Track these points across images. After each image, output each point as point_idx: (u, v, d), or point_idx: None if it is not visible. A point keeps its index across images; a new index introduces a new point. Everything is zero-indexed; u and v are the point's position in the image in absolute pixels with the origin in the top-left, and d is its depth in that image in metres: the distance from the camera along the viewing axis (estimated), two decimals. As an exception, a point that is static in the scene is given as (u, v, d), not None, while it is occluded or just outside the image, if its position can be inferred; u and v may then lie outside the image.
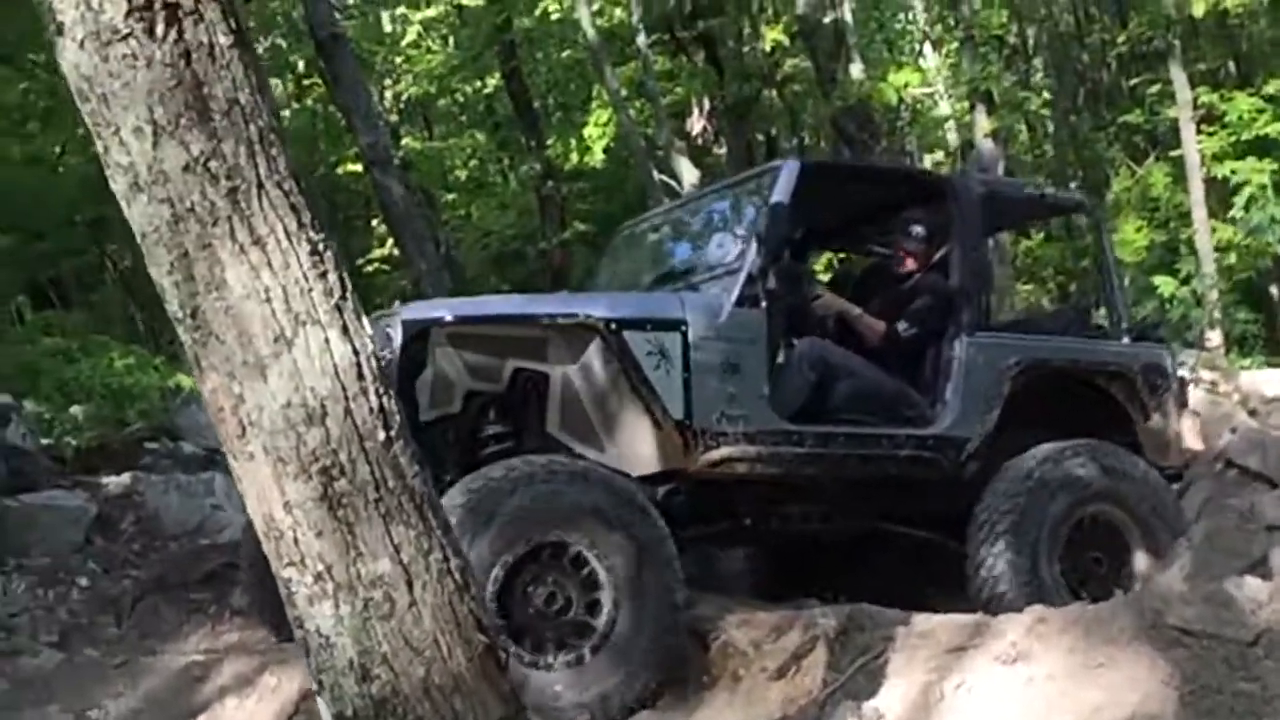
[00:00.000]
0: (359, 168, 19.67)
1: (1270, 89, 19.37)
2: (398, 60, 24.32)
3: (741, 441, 7.08)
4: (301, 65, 22.94)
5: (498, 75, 23.81)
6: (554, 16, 21.24)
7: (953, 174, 9.21)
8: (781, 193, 7.40)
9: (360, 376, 3.29)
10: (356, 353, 3.29)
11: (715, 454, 7.01)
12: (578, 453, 6.73)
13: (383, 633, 3.32)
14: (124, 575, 8.47)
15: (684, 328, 7.02)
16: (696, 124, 21.73)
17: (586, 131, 20.33)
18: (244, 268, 3.19)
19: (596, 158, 20.36)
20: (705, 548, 8.01)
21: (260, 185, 3.19)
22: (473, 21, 22.20)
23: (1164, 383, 8.36)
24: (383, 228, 21.50)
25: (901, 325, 7.87)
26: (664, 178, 18.25)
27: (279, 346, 3.21)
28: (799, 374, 7.52)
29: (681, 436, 6.93)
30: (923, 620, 6.36)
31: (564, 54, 22.63)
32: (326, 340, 3.25)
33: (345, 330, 3.28)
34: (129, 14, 3.08)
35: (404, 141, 23.48)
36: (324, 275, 3.27)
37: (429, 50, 24.66)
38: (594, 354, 6.84)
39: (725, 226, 8.33)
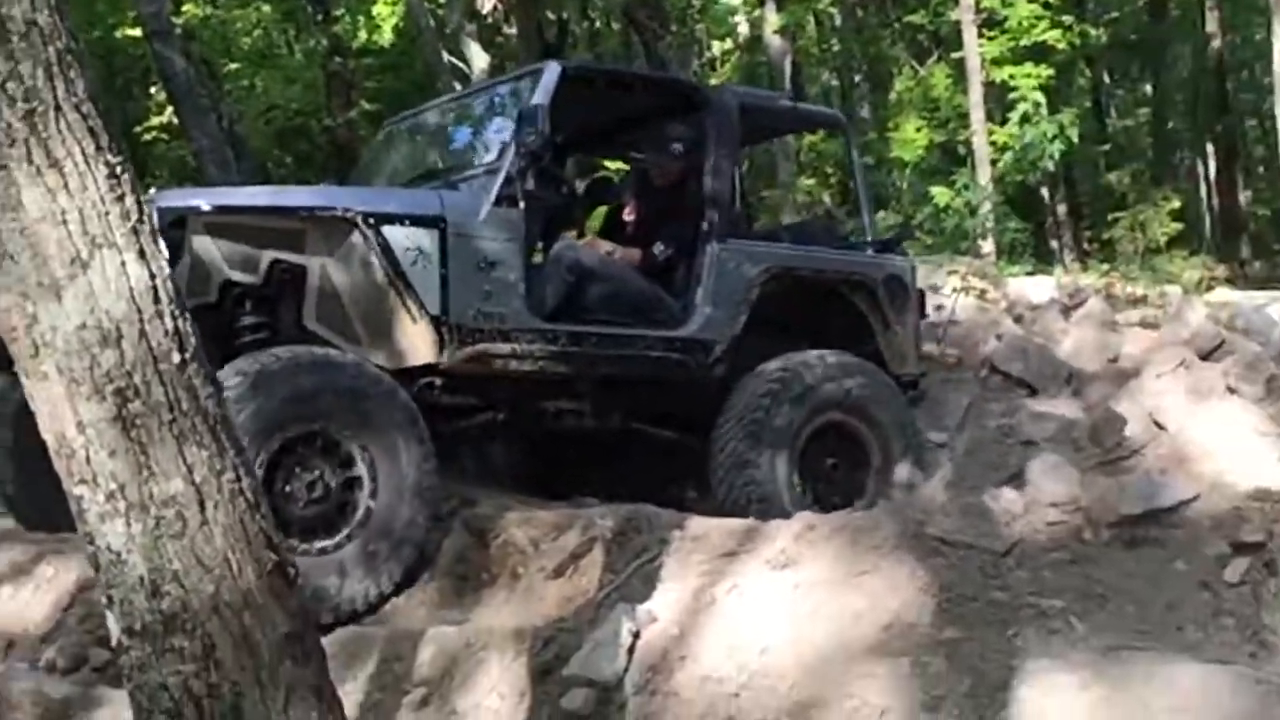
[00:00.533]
0: (138, 33, 19.11)
1: (1050, -5, 19.89)
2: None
3: (496, 338, 7.20)
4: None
5: (286, -58, 23.35)
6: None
7: (710, 85, 9.39)
8: (542, 95, 7.47)
9: (156, 300, 3.32)
10: (153, 276, 3.32)
11: (470, 350, 7.11)
12: (334, 345, 6.78)
13: (174, 550, 3.37)
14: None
15: (442, 224, 7.09)
16: (487, 3, 21.56)
17: (376, 9, 20.01)
18: (40, 190, 3.18)
19: (386, 36, 20.09)
20: (476, 444, 8.16)
21: (58, 108, 3.19)
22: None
23: (904, 293, 8.66)
24: (161, 95, 21.00)
25: (658, 248, 8.04)
26: (453, 60, 18.10)
27: (75, 269, 3.22)
28: (555, 276, 7.64)
29: (437, 332, 7.02)
30: (697, 524, 6.51)
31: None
32: (123, 263, 3.27)
33: (142, 254, 3.30)
34: (-79, -71, 3.04)
35: (185, 9, 22.83)
36: (121, 199, 3.28)
37: (215, -87, 24.03)
38: (352, 248, 6.88)
39: (487, 126, 8.40)
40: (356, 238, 6.87)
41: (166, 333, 3.33)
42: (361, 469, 6.50)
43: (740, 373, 7.96)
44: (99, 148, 3.25)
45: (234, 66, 23.67)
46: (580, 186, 9.25)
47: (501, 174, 7.33)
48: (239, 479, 3.46)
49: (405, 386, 6.78)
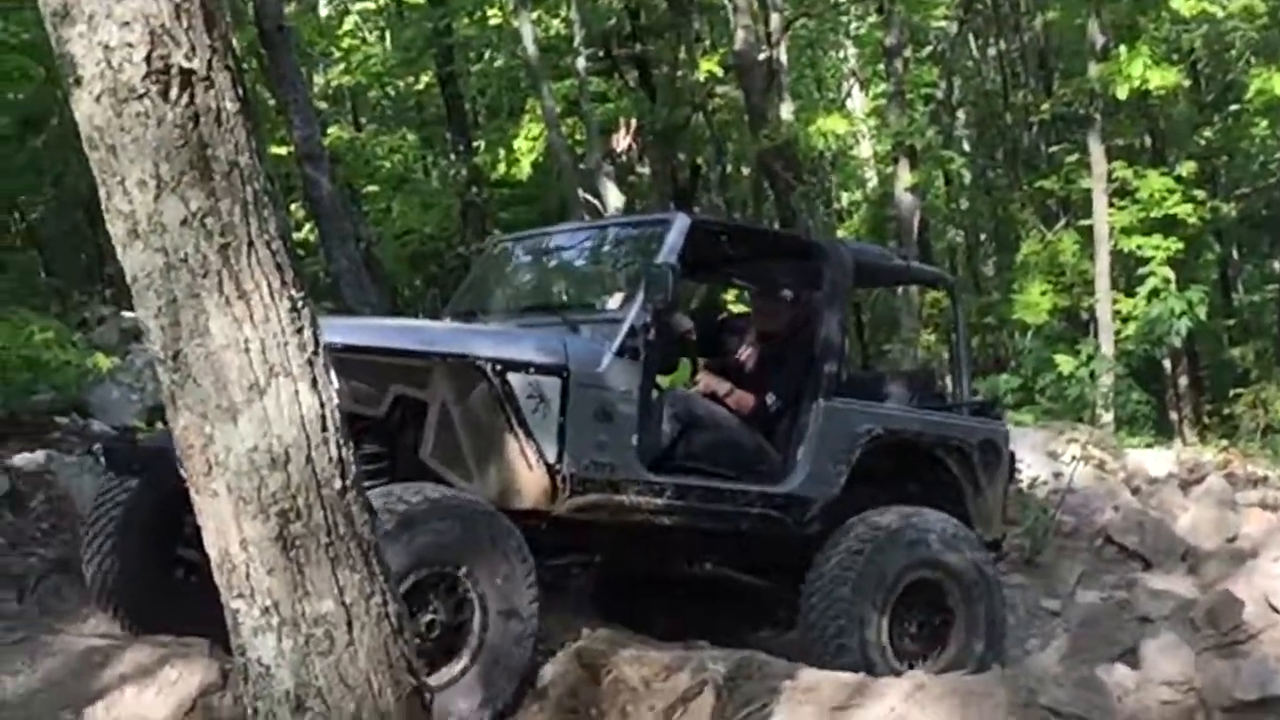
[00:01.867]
0: (282, 152, 19.67)
1: (1183, 170, 19.93)
2: (334, 51, 24.32)
3: (607, 490, 7.29)
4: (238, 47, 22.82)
5: (431, 74, 23.95)
6: (494, 22, 21.39)
7: (828, 241, 9.61)
8: (670, 251, 7.59)
9: (324, 428, 3.51)
10: (323, 405, 3.51)
11: (581, 500, 7.21)
12: (448, 481, 6.89)
13: (320, 668, 3.53)
14: (30, 553, 8.48)
15: (565, 374, 7.19)
16: (622, 143, 21.95)
17: (517, 144, 20.45)
18: (228, 319, 3.40)
19: (524, 170, 20.50)
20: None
21: (251, 243, 3.41)
22: (413, 20, 22.28)
23: (996, 458, 8.71)
24: (301, 212, 21.55)
25: (770, 399, 8.14)
26: (588, 196, 18.45)
27: (252, 394, 3.42)
28: (664, 422, 7.75)
29: (550, 479, 7.10)
30: (809, 675, 6.56)
31: (499, 63, 22.70)
32: (296, 392, 3.47)
33: (314, 383, 3.50)
34: (146, 76, 3.29)
35: (330, 130, 23.48)
36: (300, 331, 3.49)
37: (364, 41, 24.75)
38: (475, 390, 7.00)
39: (612, 269, 8.61)
40: (480, 381, 7.00)
41: (331, 460, 3.51)
42: (474, 604, 6.62)
43: (833, 522, 8.03)
44: (284, 283, 3.47)
45: (373, 189, 24.23)
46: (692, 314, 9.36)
47: (626, 326, 7.42)
48: (386, 604, 3.62)
49: (513, 524, 6.87)
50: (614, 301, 7.84)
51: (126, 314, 13.63)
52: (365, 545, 3.59)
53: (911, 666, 7.68)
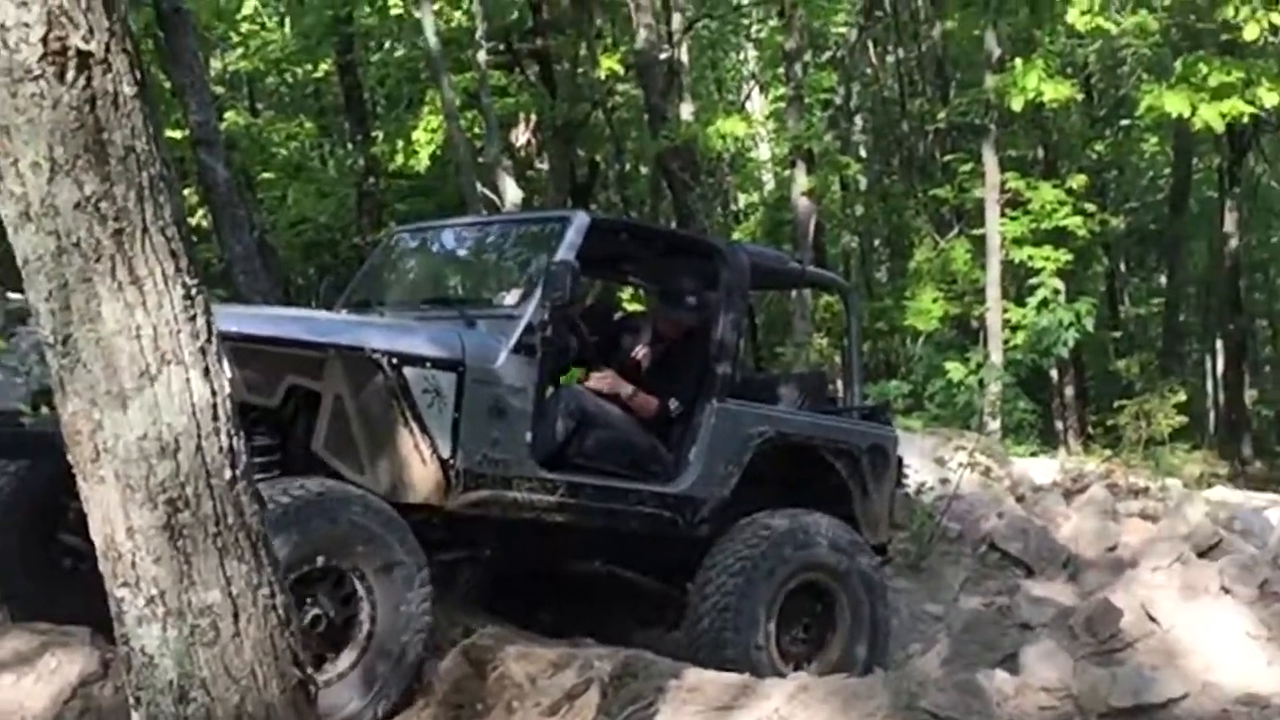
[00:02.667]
0: (177, 135, 19.45)
1: (1074, 183, 20.23)
2: (232, 35, 24.08)
3: (499, 485, 7.29)
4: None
5: (330, 62, 23.79)
6: (395, 12, 21.27)
7: (727, 243, 9.66)
8: (569, 249, 7.59)
9: (215, 417, 3.49)
10: (215, 394, 3.49)
11: (473, 495, 7.20)
12: (339, 474, 6.85)
13: (205, 659, 3.50)
14: (-92, 536, 8.34)
15: (461, 369, 7.17)
16: (521, 137, 21.94)
17: (415, 135, 20.36)
18: (119, 304, 3.36)
19: (422, 162, 20.41)
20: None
21: (145, 229, 3.38)
22: (313, 7, 22.10)
23: (885, 462, 8.80)
24: (195, 197, 21.30)
25: (673, 404, 8.17)
26: (486, 190, 18.41)
27: (143, 381, 3.39)
28: (558, 419, 7.75)
29: (444, 474, 7.10)
30: (694, 675, 6.60)
31: (399, 53, 22.58)
32: (188, 379, 3.44)
33: (206, 372, 3.48)
34: (43, 57, 3.24)
35: (227, 115, 23.25)
36: (193, 318, 3.46)
37: (264, 27, 24.52)
38: (370, 384, 6.95)
39: (510, 265, 8.59)
40: (375, 374, 6.96)
41: (221, 449, 3.49)
42: (362, 598, 6.58)
43: (722, 524, 8.07)
44: (178, 269, 3.44)
45: (268, 176, 24.03)
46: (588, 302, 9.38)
47: (523, 322, 7.41)
48: (273, 595, 3.60)
49: (404, 518, 6.82)
50: (511, 298, 7.81)
51: (12, 295, 13.37)
52: (254, 536, 3.57)
53: (796, 668, 7.76)
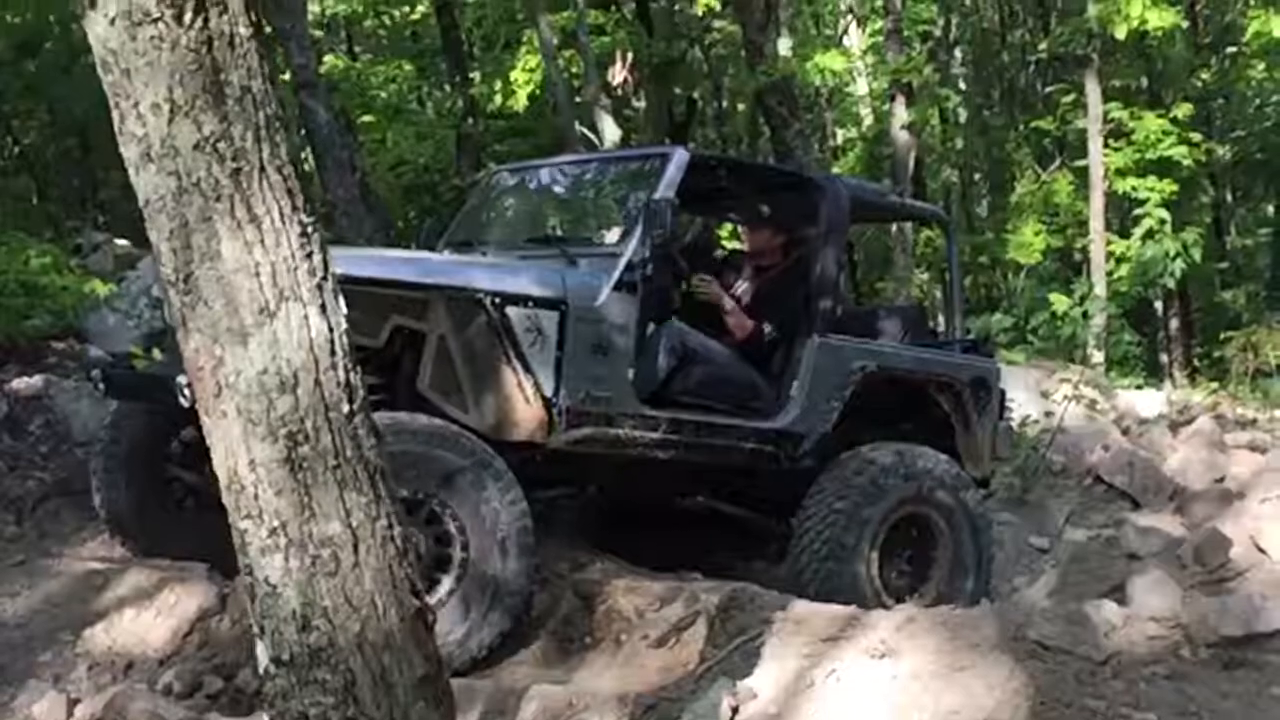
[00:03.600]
0: (277, 79, 19.57)
1: (1178, 112, 19.93)
2: (330, -23, 24.25)
3: (602, 423, 7.36)
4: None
5: (427, 3, 23.85)
6: (492, -48, 21.31)
7: (825, 176, 9.58)
8: (668, 186, 7.62)
9: (332, 352, 3.55)
10: (331, 330, 3.55)
11: (576, 433, 7.28)
12: (444, 412, 6.94)
13: (326, 588, 3.58)
14: (28, 476, 8.55)
15: (563, 308, 7.25)
16: (618, 75, 21.89)
17: (513, 75, 20.38)
18: (239, 242, 3.43)
19: (520, 102, 20.44)
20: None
21: (262, 168, 3.44)
22: (410, -51, 22.20)
23: (987, 396, 8.79)
24: (296, 141, 21.47)
25: (767, 328, 8.22)
26: (584, 130, 18.42)
27: (262, 318, 3.46)
28: (659, 357, 7.77)
29: (547, 412, 7.18)
30: (800, 607, 6.66)
31: (498, -8, 22.61)
32: (306, 316, 3.50)
33: (323, 308, 3.54)
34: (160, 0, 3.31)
35: (326, 59, 23.39)
36: (310, 255, 3.53)
37: (362, -30, 24.64)
38: (473, 323, 7.04)
39: (610, 202, 8.66)
40: (479, 314, 7.06)
41: (339, 384, 3.55)
42: (452, 529, 6.66)
43: (824, 458, 8.12)
44: (294, 207, 3.50)
45: (368, 119, 24.17)
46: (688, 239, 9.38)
47: (624, 260, 7.48)
48: (390, 526, 3.67)
49: (507, 456, 6.91)
50: (612, 236, 7.88)
51: (119, 241, 13.64)
52: (371, 469, 3.63)
53: (900, 601, 7.78)
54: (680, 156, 7.86)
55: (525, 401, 7.15)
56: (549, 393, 7.20)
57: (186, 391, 6.37)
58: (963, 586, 8.11)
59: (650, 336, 7.81)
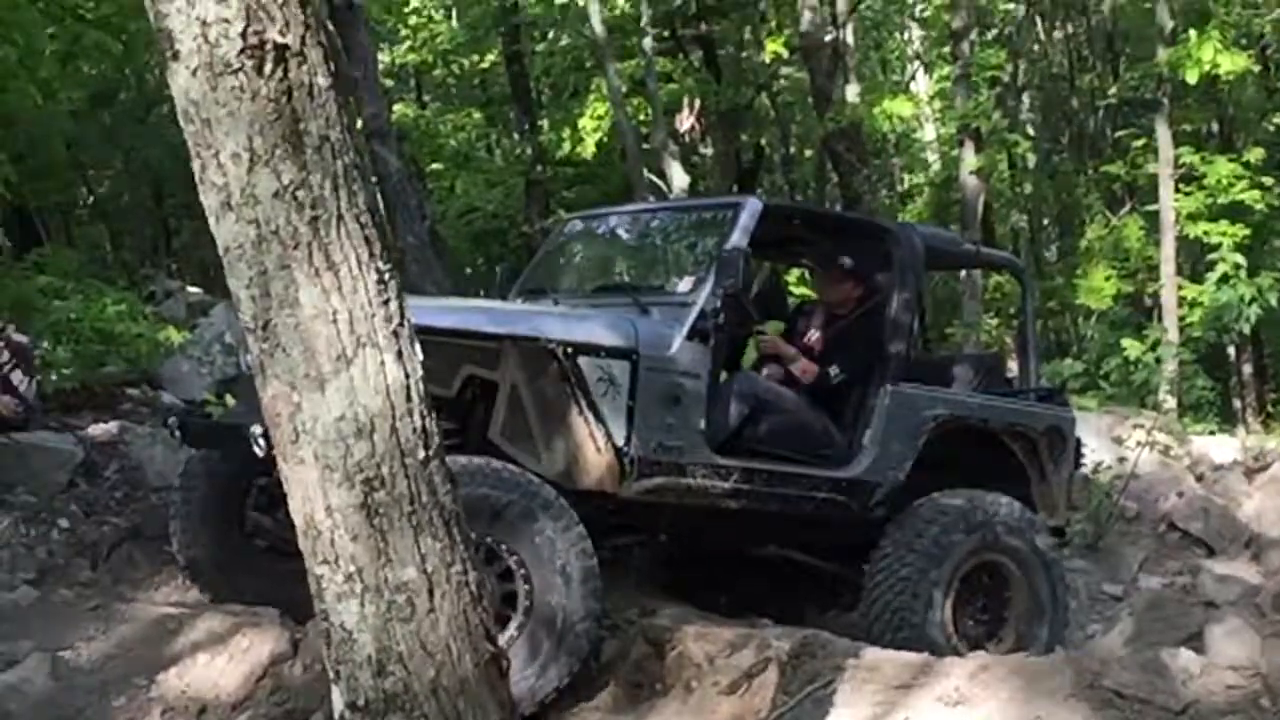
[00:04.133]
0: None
1: (1250, 156, 19.75)
2: (401, 28, 24.44)
3: (673, 473, 7.31)
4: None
5: (497, 52, 24.04)
6: (560, 1, 21.44)
7: (898, 225, 9.50)
8: (741, 236, 7.60)
9: (409, 398, 3.58)
10: (408, 376, 3.59)
11: (648, 483, 7.24)
12: (516, 460, 6.90)
13: (401, 634, 3.60)
14: (104, 521, 8.63)
15: (635, 357, 7.22)
16: (686, 123, 21.97)
17: (582, 123, 20.50)
18: (317, 289, 3.47)
19: (589, 149, 20.55)
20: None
21: (340, 216, 3.48)
22: (480, -1, 22.39)
23: (1062, 444, 8.67)
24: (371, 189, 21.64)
25: (833, 370, 8.14)
26: (652, 177, 18.49)
27: (340, 364, 3.49)
28: (731, 405, 7.74)
29: (618, 462, 7.14)
30: (871, 654, 6.62)
31: (565, 41, 22.74)
32: (383, 362, 3.54)
33: (400, 355, 3.57)
34: (242, 51, 3.36)
35: (396, 108, 23.59)
36: (387, 303, 3.56)
37: (431, 19, 24.85)
38: (545, 373, 7.02)
39: (682, 251, 8.64)
40: (550, 363, 7.03)
41: (415, 430, 3.58)
42: (516, 574, 6.61)
43: (897, 504, 8.05)
44: (372, 254, 3.54)
45: (437, 167, 24.35)
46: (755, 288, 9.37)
47: (696, 309, 7.45)
48: (466, 572, 3.69)
49: (579, 506, 6.86)
50: (685, 284, 7.83)
51: (192, 289, 13.81)
52: (447, 514, 3.66)
53: (974, 649, 7.72)
54: (753, 206, 7.86)
55: (596, 450, 7.11)
56: (620, 441, 7.17)
57: (261, 441, 6.46)
58: (1037, 634, 8.02)
59: (722, 385, 7.79)
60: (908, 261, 8.35)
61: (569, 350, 7.06)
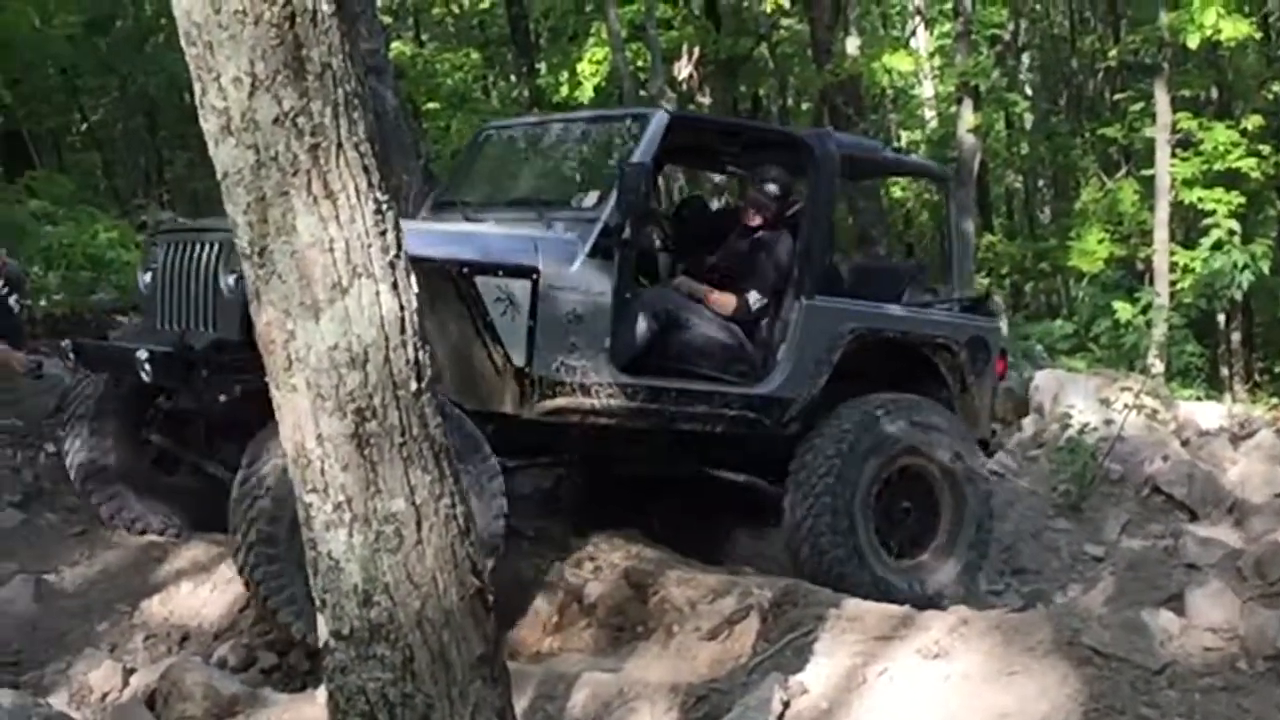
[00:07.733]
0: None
1: (1248, 124, 19.74)
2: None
3: (577, 393, 7.25)
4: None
5: (498, -7, 23.97)
6: (563, -57, 21.39)
7: (812, 134, 9.31)
8: (646, 151, 7.50)
9: (402, 330, 3.57)
10: (403, 308, 3.57)
11: (551, 403, 7.19)
12: None
13: (388, 564, 3.60)
14: (90, 447, 8.63)
15: (535, 275, 7.12)
16: (684, 70, 21.91)
17: (580, 66, 20.42)
18: (314, 218, 3.45)
19: (587, 93, 20.46)
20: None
21: (340, 145, 3.46)
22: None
23: (985, 356, 8.64)
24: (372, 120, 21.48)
25: (753, 297, 8.04)
26: (649, 123, 18.41)
27: (335, 293, 3.48)
28: (639, 323, 7.66)
29: (519, 383, 7.10)
30: (853, 605, 6.63)
31: (567, -17, 22.69)
32: (378, 293, 3.53)
33: (395, 286, 3.56)
34: (245, -26, 3.33)
35: (394, 45, 23.45)
36: (384, 233, 3.55)
37: (431, -44, 24.75)
38: (441, 294, 6.90)
39: (592, 164, 8.55)
40: (448, 286, 6.94)
41: (408, 361, 3.58)
42: None
43: (812, 418, 7.99)
44: (370, 185, 3.52)
45: (433, 106, 24.24)
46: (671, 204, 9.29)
47: (599, 225, 7.34)
48: (454, 505, 3.69)
49: (482, 426, 6.79)
50: (590, 199, 7.66)
51: (183, 220, 13.74)
52: (437, 447, 3.65)
53: (899, 557, 7.81)
54: (660, 119, 7.74)
55: (496, 372, 7.07)
56: (521, 362, 7.10)
57: (148, 367, 6.51)
58: (962, 542, 8.09)
59: (632, 302, 7.65)
60: (824, 170, 8.20)
61: (464, 270, 6.96)
